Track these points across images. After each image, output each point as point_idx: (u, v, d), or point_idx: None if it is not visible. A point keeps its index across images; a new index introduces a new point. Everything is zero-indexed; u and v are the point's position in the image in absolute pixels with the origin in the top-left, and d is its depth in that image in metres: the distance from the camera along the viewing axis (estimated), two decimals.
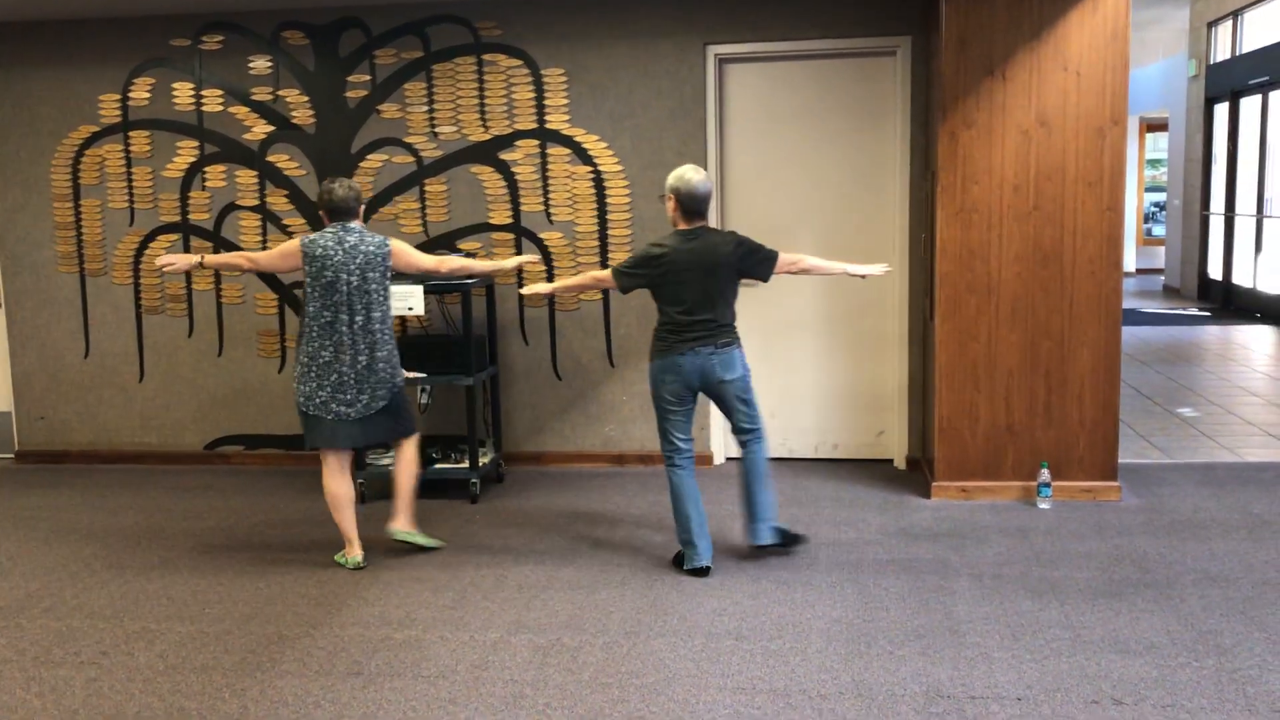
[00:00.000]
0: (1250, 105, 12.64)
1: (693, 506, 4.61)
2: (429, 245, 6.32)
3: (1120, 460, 5.63)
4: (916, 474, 6.07)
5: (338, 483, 4.82)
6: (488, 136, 6.26)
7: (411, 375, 5.76)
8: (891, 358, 6.22)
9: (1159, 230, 17.57)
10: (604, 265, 6.22)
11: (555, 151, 6.23)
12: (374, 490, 5.97)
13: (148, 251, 6.59)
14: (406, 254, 4.80)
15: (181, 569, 4.84)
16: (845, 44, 6.00)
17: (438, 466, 5.86)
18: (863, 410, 6.32)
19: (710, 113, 6.11)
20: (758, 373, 6.31)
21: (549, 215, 6.27)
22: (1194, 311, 12.77)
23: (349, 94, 6.34)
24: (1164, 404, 7.67)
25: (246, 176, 6.47)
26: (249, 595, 4.49)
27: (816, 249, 6.15)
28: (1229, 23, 13.11)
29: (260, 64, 6.38)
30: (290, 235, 6.45)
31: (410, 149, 6.32)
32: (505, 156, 6.26)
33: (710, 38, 6.06)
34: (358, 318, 4.66)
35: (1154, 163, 17.96)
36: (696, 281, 4.47)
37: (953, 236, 5.38)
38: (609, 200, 6.22)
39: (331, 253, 4.64)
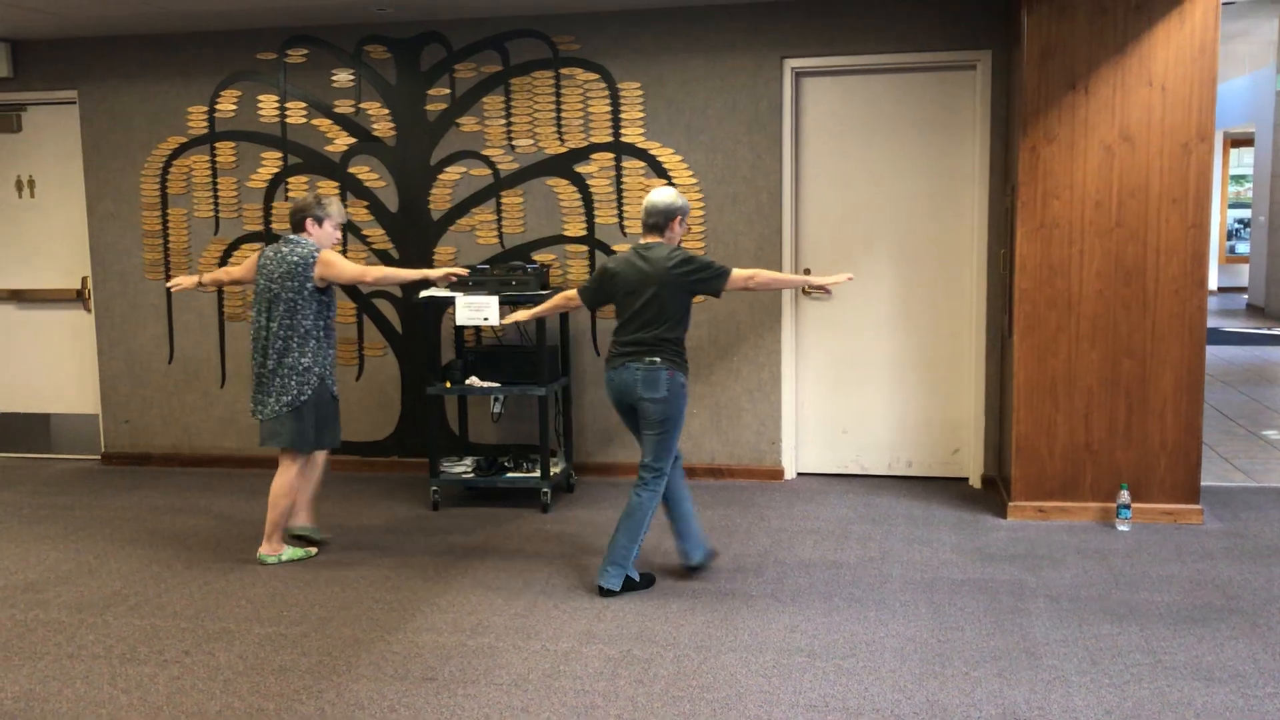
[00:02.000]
0: None
1: (618, 524, 4.56)
2: (504, 256, 6.39)
3: (1202, 483, 5.50)
4: (992, 493, 5.98)
5: (281, 478, 5.02)
6: (564, 149, 6.32)
7: (484, 385, 5.82)
8: (968, 374, 6.14)
9: (1243, 248, 17.14)
10: None
11: (630, 164, 6.26)
12: (446, 498, 6.04)
13: (231, 258, 6.74)
14: (333, 264, 4.88)
15: (259, 571, 4.93)
16: (924, 58, 5.96)
17: (510, 475, 5.91)
18: (938, 427, 6.25)
19: (786, 126, 6.10)
20: (829, 389, 6.28)
21: (623, 228, 6.31)
22: (1278, 332, 12.43)
23: (429, 107, 6.44)
24: (1248, 426, 7.48)
25: (328, 188, 6.60)
26: (325, 599, 4.57)
27: (891, 263, 6.11)
28: None
29: (343, 77, 6.51)
30: (370, 246, 6.56)
31: (487, 161, 6.40)
32: (580, 169, 6.31)
33: (787, 51, 6.05)
34: (272, 323, 4.88)
35: (1238, 179, 17.53)
36: (637, 297, 4.45)
37: (1032, 252, 5.31)
38: None
39: (266, 262, 4.94)
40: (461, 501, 6.04)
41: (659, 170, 6.23)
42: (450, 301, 5.81)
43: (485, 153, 6.40)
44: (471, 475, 5.98)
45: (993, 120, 5.90)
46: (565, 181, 6.34)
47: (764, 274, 4.54)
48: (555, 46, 6.26)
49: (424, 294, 5.90)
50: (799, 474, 6.41)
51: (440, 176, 6.46)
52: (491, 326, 6.19)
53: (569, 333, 6.25)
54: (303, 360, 4.90)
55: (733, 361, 6.26)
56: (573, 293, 4.77)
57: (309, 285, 4.87)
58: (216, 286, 5.46)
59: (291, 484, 5.01)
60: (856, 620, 4.21)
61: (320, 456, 5.18)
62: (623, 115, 6.24)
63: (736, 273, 4.51)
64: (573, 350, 6.37)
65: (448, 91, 6.40)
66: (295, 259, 4.86)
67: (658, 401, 4.44)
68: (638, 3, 5.99)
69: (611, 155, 6.28)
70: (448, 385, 5.90)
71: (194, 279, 5.32)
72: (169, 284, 5.37)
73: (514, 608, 4.42)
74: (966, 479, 6.22)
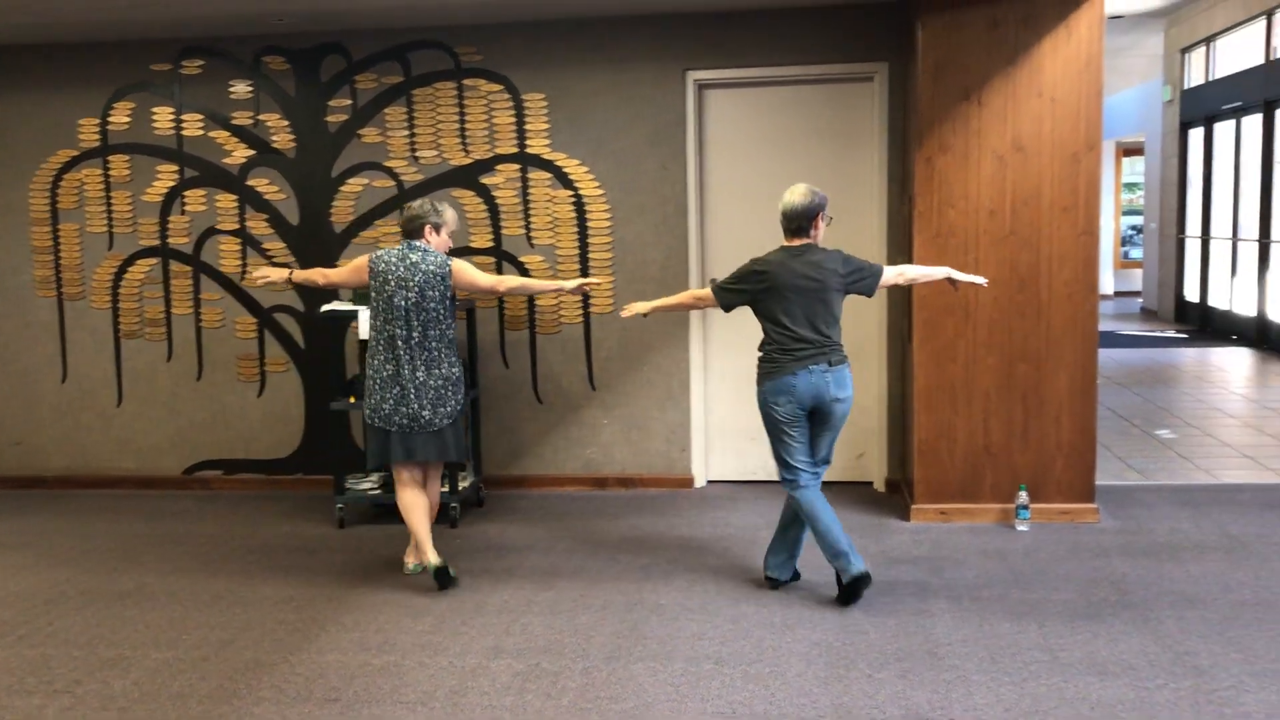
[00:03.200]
0: (1224, 130, 12.79)
1: (831, 519, 4.51)
2: None
3: (1098, 482, 5.65)
4: (896, 496, 6.08)
5: (407, 494, 4.83)
6: (468, 160, 6.28)
7: None
8: (871, 380, 6.24)
9: (1136, 253, 17.70)
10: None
11: (536, 175, 6.25)
12: (352, 516, 5.95)
13: (128, 275, 6.57)
14: (465, 273, 4.76)
15: (158, 595, 4.80)
16: (823, 70, 6.05)
17: None
18: (843, 433, 6.32)
19: (690, 137, 6.15)
20: (737, 397, 6.34)
21: (530, 239, 6.29)
22: (1171, 334, 12.87)
23: (330, 118, 6.35)
24: (1142, 426, 7.73)
25: (226, 201, 6.46)
26: (226, 621, 4.46)
27: None
28: (1202, 49, 13.28)
29: (240, 88, 6.39)
30: (270, 259, 6.44)
31: (390, 173, 6.34)
32: (486, 180, 6.28)
33: (689, 63, 6.10)
34: (414, 334, 4.68)
35: (1131, 186, 18.12)
36: (802, 299, 4.38)
37: (929, 260, 5.42)
38: (590, 224, 6.24)
39: (393, 269, 4.69)
40: (368, 519, 5.95)
41: (565, 181, 6.23)
42: (354, 315, 5.74)
43: (388, 164, 6.33)
44: (378, 491, 5.90)
45: (890, 131, 6.01)
46: (470, 193, 6.30)
47: (910, 270, 4.70)
48: (458, 57, 6.23)
49: (325, 308, 5.82)
50: (709, 481, 6.44)
51: (342, 188, 6.38)
52: None
53: (477, 345, 6.21)
54: (454, 370, 4.78)
55: (643, 371, 6.28)
56: (705, 291, 4.70)
57: (449, 294, 4.74)
58: (303, 285, 5.26)
59: (437, 492, 4.99)
60: (764, 626, 4.24)
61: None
62: (527, 126, 6.23)
63: (887, 271, 4.56)
64: (481, 363, 6.33)
65: (349, 102, 6.33)
66: (434, 268, 4.69)
67: (846, 400, 4.46)
68: (540, 14, 5.99)
69: (517, 166, 6.26)
70: (352, 400, 5.81)
71: (284, 273, 5.03)
72: (255, 274, 5.13)
73: (420, 624, 4.36)
74: (871, 483, 6.31)
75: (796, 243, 4.47)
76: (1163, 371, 10.22)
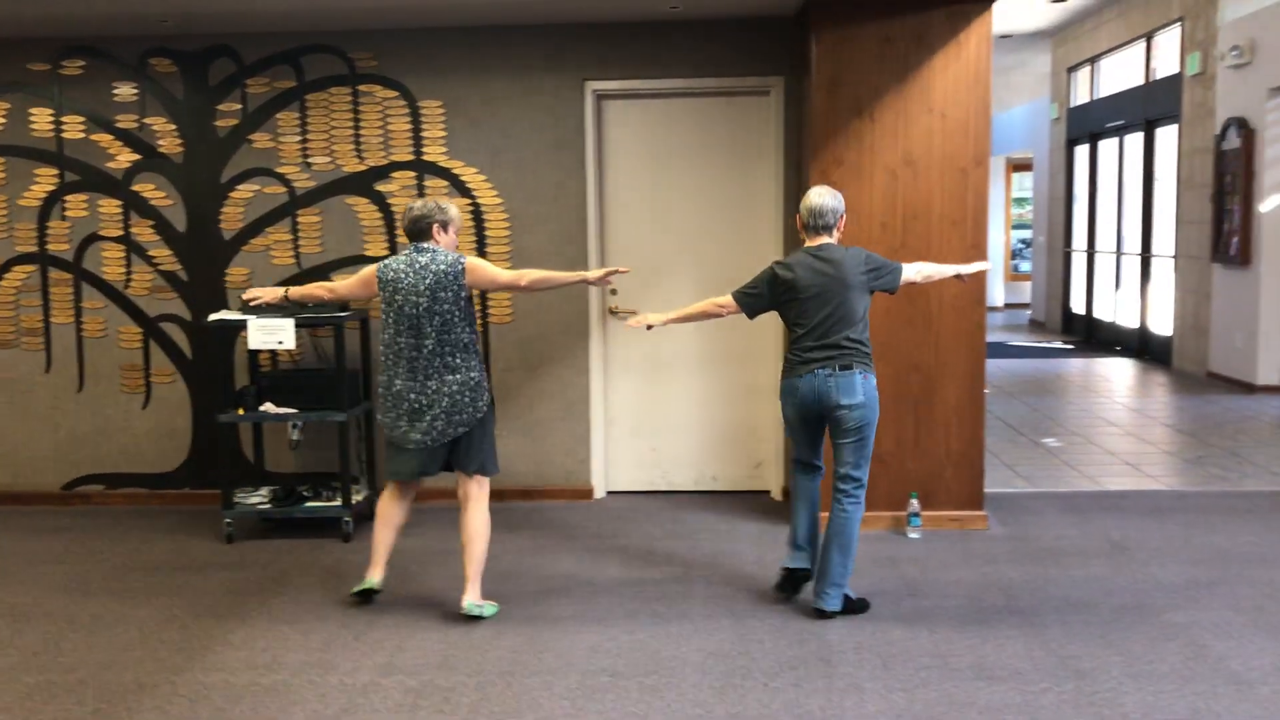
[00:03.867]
0: (1108, 147, 13.24)
1: (802, 508, 4.52)
2: (302, 277, 6.18)
3: (987, 490, 5.78)
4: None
5: (386, 503, 4.66)
6: (363, 167, 6.18)
7: (280, 411, 5.63)
8: (768, 389, 6.29)
9: (1025, 266, 18.21)
10: (484, 297, 6.17)
11: (433, 183, 6.18)
12: (241, 530, 5.79)
13: (3, 282, 6.30)
14: (483, 271, 4.48)
15: (33, 616, 4.60)
16: (721, 83, 6.10)
17: (309, 505, 5.72)
18: (741, 443, 6.38)
19: (589, 147, 6.14)
20: (639, 408, 6.34)
21: None
22: (1058, 345, 13.27)
23: (219, 123, 6.18)
24: (1029, 434, 7.94)
25: (110, 206, 6.25)
26: (105, 642, 4.30)
27: (695, 282, 6.21)
28: (1087, 68, 13.74)
29: (125, 90, 6.19)
30: (156, 266, 6.25)
31: (282, 179, 6.19)
32: (381, 188, 6.18)
33: (588, 74, 6.09)
34: (427, 341, 4.39)
35: (1020, 201, 18.64)
36: (824, 301, 4.33)
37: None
38: (488, 233, 6.18)
39: (402, 276, 4.41)
40: (258, 534, 5.80)
41: (463, 189, 6.16)
42: (244, 324, 5.59)
43: (280, 170, 6.19)
44: (268, 505, 5.76)
45: (786, 144, 6.08)
46: (365, 200, 6.19)
47: (927, 266, 4.67)
48: (352, 63, 6.12)
49: (214, 317, 5.66)
50: (609, 493, 6.43)
51: (232, 195, 6.22)
52: (288, 350, 6.00)
53: (370, 355, 6.10)
54: (472, 375, 4.46)
55: (542, 382, 6.24)
56: (726, 299, 4.53)
57: (463, 295, 4.43)
58: (302, 303, 4.99)
59: (486, 514, 4.53)
60: (661, 637, 4.24)
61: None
62: (424, 133, 6.15)
63: (907, 269, 4.51)
64: (374, 373, 6.22)
65: (239, 107, 6.17)
66: (443, 268, 4.39)
67: (856, 407, 4.32)
68: (437, 21, 5.92)
69: (413, 174, 6.17)
70: (240, 412, 5.67)
71: (278, 292, 4.84)
72: (246, 297, 4.89)
73: (311, 642, 4.26)
74: (769, 492, 6.37)
75: (817, 242, 4.43)
76: (1050, 381, 10.53)
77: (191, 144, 6.20)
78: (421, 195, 6.16)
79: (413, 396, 4.43)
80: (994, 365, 11.29)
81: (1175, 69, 11.12)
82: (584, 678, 3.88)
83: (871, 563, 5.08)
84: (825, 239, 4.43)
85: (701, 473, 6.42)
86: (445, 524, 5.87)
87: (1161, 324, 11.60)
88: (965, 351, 5.51)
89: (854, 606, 4.44)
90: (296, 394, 5.70)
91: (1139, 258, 12.13)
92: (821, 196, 4.44)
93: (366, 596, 4.63)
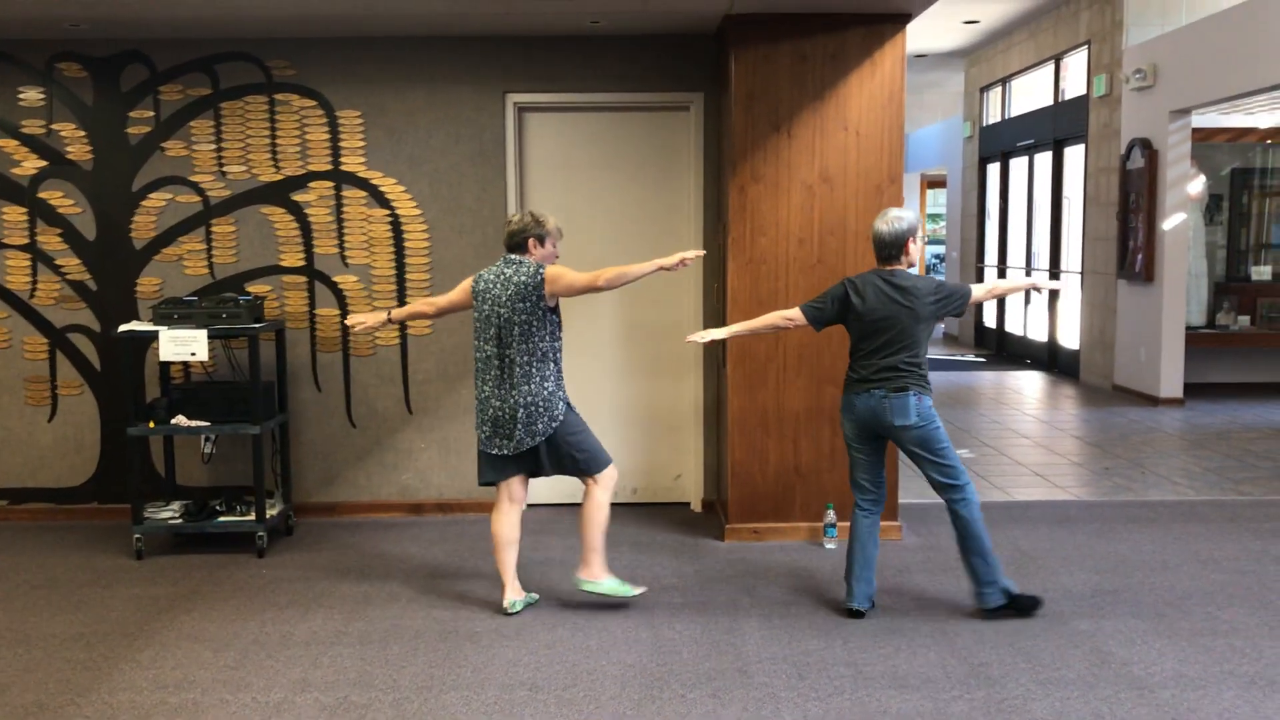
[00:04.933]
0: (1018, 165, 13.59)
1: (857, 547, 4.56)
2: (215, 288, 6.08)
3: (901, 500, 5.89)
4: (712, 516, 6.19)
5: (498, 522, 4.67)
6: (279, 177, 6.10)
7: (193, 424, 5.52)
8: (688, 403, 6.34)
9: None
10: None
11: (351, 194, 6.12)
12: (152, 546, 5.66)
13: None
14: (561, 278, 4.51)
15: None
16: (641, 98, 6.14)
17: (222, 519, 5.62)
18: (661, 455, 6.41)
19: (510, 160, 6.13)
20: None
21: (344, 258, 6.14)
22: (971, 358, 13.56)
23: (130, 130, 6.06)
24: None
25: (14, 213, 6.08)
26: (6, 663, 4.17)
27: (616, 296, 6.23)
28: (999, 88, 14.09)
29: (31, 95, 6.04)
30: (63, 276, 6.10)
31: (196, 188, 6.09)
32: (298, 198, 6.11)
33: (509, 86, 6.09)
34: (507, 351, 4.51)
35: (934, 217, 19.02)
36: (890, 326, 4.42)
37: (743, 286, 5.56)
38: (407, 244, 6.14)
39: (491, 286, 4.57)
40: (169, 549, 5.68)
41: (381, 200, 6.11)
42: (154, 336, 5.48)
43: (194, 178, 6.08)
44: (179, 520, 5.64)
45: (706, 159, 6.14)
46: (281, 210, 6.11)
47: (1000, 285, 4.81)
48: (269, 71, 6.05)
49: (124, 328, 5.54)
50: (529, 505, 6.37)
51: (143, 203, 6.09)
52: (201, 362, 5.89)
53: (286, 366, 6.01)
54: (546, 385, 4.53)
55: (462, 394, 6.21)
56: (795, 311, 4.61)
57: (542, 305, 4.51)
58: (404, 320, 5.04)
59: (601, 501, 4.63)
60: (579, 650, 4.24)
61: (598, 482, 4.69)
62: (342, 143, 6.10)
63: (975, 290, 4.60)
64: (290, 385, 6.13)
65: (151, 114, 6.05)
66: (523, 279, 4.50)
67: (913, 428, 4.42)
68: (355, 30, 5.87)
69: (331, 184, 6.11)
70: (151, 425, 5.55)
71: (381, 316, 4.95)
72: (349, 322, 4.95)
73: (223, 659, 4.18)
74: (688, 503, 6.40)
75: (888, 267, 4.51)
76: (963, 394, 10.75)
77: (101, 151, 6.06)
78: (339, 206, 6.10)
79: (496, 404, 4.55)
80: None
81: (1083, 90, 11.46)
82: (502, 692, 3.87)
83: (788, 574, 5.14)
84: (896, 265, 4.51)
85: (621, 485, 6.41)
86: (362, 539, 5.81)
87: (1070, 338, 11.92)
88: None
89: (1020, 602, 4.51)
90: (209, 406, 5.59)
91: (1047, 274, 12.45)
92: (882, 224, 4.51)
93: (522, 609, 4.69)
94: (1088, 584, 4.96)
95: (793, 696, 3.81)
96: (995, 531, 5.78)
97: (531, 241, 4.62)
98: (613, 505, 6.30)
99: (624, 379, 6.37)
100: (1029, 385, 11.27)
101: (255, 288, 6.12)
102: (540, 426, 4.53)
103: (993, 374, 12.17)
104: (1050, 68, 12.43)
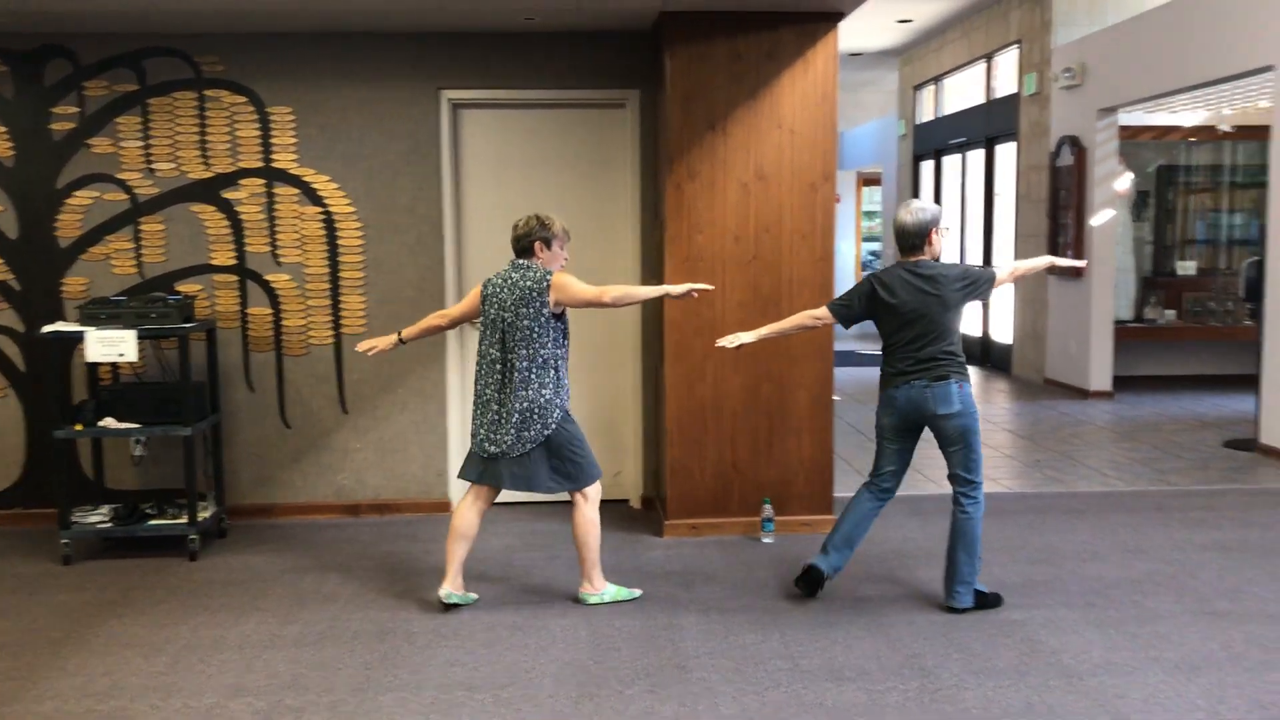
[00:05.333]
0: (951, 163, 13.77)
1: (849, 520, 4.67)
2: (144, 287, 5.97)
3: (837, 494, 5.94)
4: (651, 513, 6.20)
5: (460, 514, 4.67)
6: (210, 174, 6.00)
7: (122, 426, 5.42)
8: (627, 400, 6.35)
9: None
10: (336, 306, 6.07)
11: (283, 191, 6.04)
12: (80, 551, 5.55)
13: None
14: (567, 287, 4.52)
15: None
16: (578, 95, 6.13)
17: (153, 523, 5.52)
18: (601, 451, 6.36)
19: (445, 157, 6.09)
20: None
21: (276, 257, 6.06)
22: None
23: (54, 126, 5.92)
24: None
25: None
26: None
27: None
28: (932, 87, 14.27)
29: None
30: None
31: (123, 186, 5.97)
32: (229, 195, 6.01)
33: (443, 82, 6.05)
34: (510, 355, 4.52)
35: (870, 214, 19.22)
36: (921, 317, 4.44)
37: (679, 282, 5.56)
38: (341, 242, 6.07)
39: (498, 290, 4.58)
40: (98, 554, 5.57)
41: (314, 198, 6.04)
42: (81, 336, 5.37)
43: (121, 176, 5.96)
44: (109, 524, 5.53)
45: (642, 157, 6.15)
46: (212, 208, 6.01)
47: (1019, 267, 4.78)
48: (198, 67, 5.94)
49: (49, 329, 5.42)
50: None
51: (68, 201, 5.96)
52: (130, 363, 5.78)
53: (218, 367, 5.92)
54: (544, 393, 4.51)
55: (398, 394, 6.16)
56: (822, 310, 4.66)
57: (545, 311, 4.50)
58: (418, 337, 4.97)
59: (590, 517, 4.66)
60: (517, 649, 4.23)
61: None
62: (274, 140, 6.01)
63: (1000, 273, 4.61)
64: (223, 386, 6.04)
65: (76, 110, 5.92)
66: (529, 284, 4.50)
67: (955, 416, 4.43)
68: (286, 26, 5.80)
69: (262, 181, 6.03)
70: (78, 428, 5.43)
71: (392, 339, 4.87)
72: (361, 348, 4.90)
73: (154, 665, 4.11)
74: (628, 500, 6.41)
75: (912, 259, 4.53)
76: None
77: (23, 147, 5.92)
78: (271, 203, 6.02)
79: (495, 407, 4.56)
80: (846, 373, 11.61)
81: (1014, 89, 11.65)
82: (439, 692, 3.85)
83: (726, 568, 5.17)
84: (920, 256, 4.53)
85: None
86: (298, 541, 5.74)
87: (1003, 333, 12.11)
88: (815, 361, 5.67)
89: (986, 601, 4.58)
90: (138, 408, 5.49)
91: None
92: (904, 215, 4.53)
93: (453, 608, 4.67)
94: (1020, 575, 5.05)
95: (730, 691, 3.83)
96: (929, 525, 5.87)
97: (538, 245, 4.60)
98: (553, 503, 6.35)
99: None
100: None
101: (185, 287, 6.01)
102: (532, 433, 4.52)
103: None
104: (982, 66, 12.62)
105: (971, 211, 13.11)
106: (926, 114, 14.54)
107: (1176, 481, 6.86)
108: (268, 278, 6.06)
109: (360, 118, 6.03)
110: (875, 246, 18.88)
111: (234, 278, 6.04)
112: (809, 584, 4.71)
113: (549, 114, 6.22)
